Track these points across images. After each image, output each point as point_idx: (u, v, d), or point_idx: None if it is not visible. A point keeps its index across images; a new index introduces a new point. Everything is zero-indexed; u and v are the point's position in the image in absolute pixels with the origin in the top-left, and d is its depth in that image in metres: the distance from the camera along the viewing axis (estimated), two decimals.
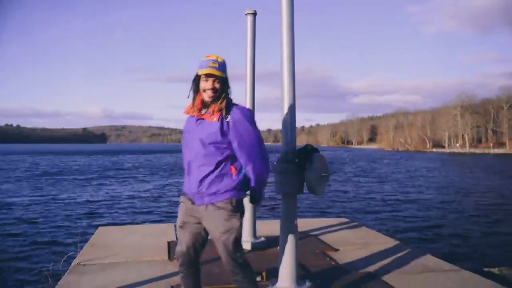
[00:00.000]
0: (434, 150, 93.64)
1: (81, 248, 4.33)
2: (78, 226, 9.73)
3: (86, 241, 4.70)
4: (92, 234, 5.06)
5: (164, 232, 4.99)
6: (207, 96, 2.33)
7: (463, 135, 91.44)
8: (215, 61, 2.33)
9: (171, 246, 4.27)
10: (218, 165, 2.30)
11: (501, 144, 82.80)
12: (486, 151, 79.32)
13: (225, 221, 2.28)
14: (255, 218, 4.38)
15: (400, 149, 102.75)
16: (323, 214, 11.56)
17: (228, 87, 2.40)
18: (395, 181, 22.67)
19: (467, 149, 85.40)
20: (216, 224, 2.30)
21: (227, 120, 2.31)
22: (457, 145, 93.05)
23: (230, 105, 2.36)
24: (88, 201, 14.24)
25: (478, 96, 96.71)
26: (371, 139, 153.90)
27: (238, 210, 2.34)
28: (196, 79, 2.39)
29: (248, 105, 4.36)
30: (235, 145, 2.30)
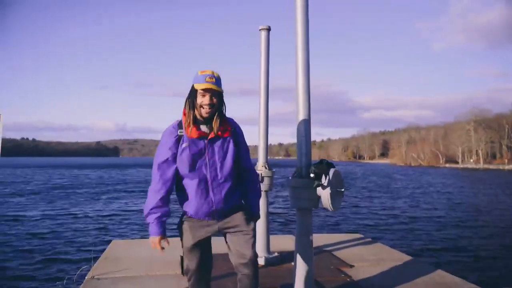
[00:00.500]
0: (447, 165, 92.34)
1: (95, 261, 4.34)
2: (91, 239, 9.76)
3: (99, 255, 4.71)
4: (105, 247, 5.07)
5: (176, 246, 4.94)
6: (204, 112, 2.29)
7: (477, 150, 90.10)
8: (212, 76, 2.29)
9: (184, 260, 4.25)
10: (234, 179, 2.38)
11: None
12: (501, 167, 77.93)
13: (246, 219, 2.43)
14: (268, 233, 4.36)
15: (412, 164, 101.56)
16: (336, 229, 11.43)
17: (223, 103, 2.40)
18: (408, 196, 22.35)
19: (481, 165, 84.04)
20: (241, 218, 2.40)
21: (234, 130, 2.43)
22: (471, 160, 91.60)
23: (228, 119, 2.44)
24: (100, 215, 14.30)
25: (491, 111, 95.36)
26: (383, 154, 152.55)
27: (247, 208, 2.51)
28: (192, 95, 2.33)
29: (262, 119, 4.38)
30: (243, 153, 2.44)
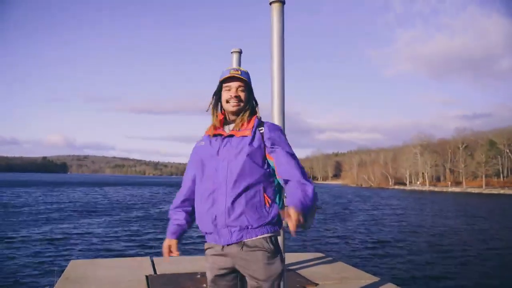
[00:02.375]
0: (396, 187, 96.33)
1: (55, 283, 4.15)
2: (49, 261, 9.28)
3: (58, 275, 4.51)
4: (63, 269, 4.85)
5: (140, 265, 4.87)
6: (231, 106, 1.98)
7: (423, 173, 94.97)
8: (238, 69, 2.05)
9: (149, 280, 4.17)
10: (249, 191, 1.86)
11: (458, 183, 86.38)
12: (445, 189, 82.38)
13: (266, 265, 1.84)
14: None
15: (363, 186, 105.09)
16: (298, 249, 11.58)
17: (255, 101, 2.08)
18: (365, 217, 23.05)
19: (427, 187, 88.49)
20: (254, 268, 1.85)
21: (261, 131, 1.97)
22: (418, 182, 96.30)
23: (261, 121, 2.03)
24: (55, 236, 13.57)
25: (435, 136, 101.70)
26: (336, 175, 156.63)
27: (279, 250, 1.91)
28: (217, 92, 2.06)
29: None
30: (279, 160, 1.91)
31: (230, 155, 1.90)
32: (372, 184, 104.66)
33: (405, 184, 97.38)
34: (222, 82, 2.02)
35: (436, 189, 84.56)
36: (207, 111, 2.08)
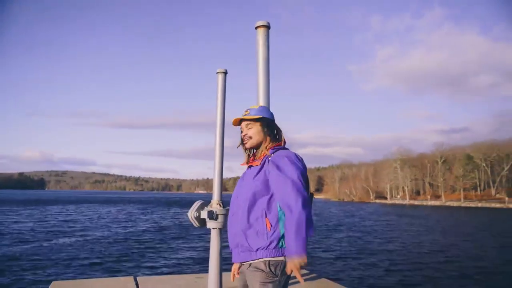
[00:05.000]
0: (377, 201, 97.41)
1: None
2: (27, 283, 9.00)
3: None
4: None
5: (124, 285, 4.80)
6: (245, 145, 2.28)
7: (403, 187, 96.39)
8: (247, 109, 2.30)
9: None
10: (253, 217, 2.06)
11: (437, 197, 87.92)
12: (424, 203, 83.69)
13: (261, 285, 2.01)
14: (221, 269, 4.38)
15: (345, 200, 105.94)
16: None
17: (275, 129, 2.27)
18: (347, 231, 23.18)
19: (407, 201, 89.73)
20: (254, 281, 2.04)
21: (269, 158, 2.14)
22: (398, 196, 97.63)
23: (279, 148, 2.21)
24: (31, 257, 13.19)
25: (415, 150, 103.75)
26: (318, 190, 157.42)
27: (277, 274, 2.02)
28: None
29: (217, 157, 4.50)
30: (273, 186, 2.05)
31: (246, 183, 2.16)
32: (354, 198, 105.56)
33: (386, 198, 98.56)
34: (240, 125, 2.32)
35: (416, 202, 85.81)
36: (241, 164, 2.34)
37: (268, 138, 2.24)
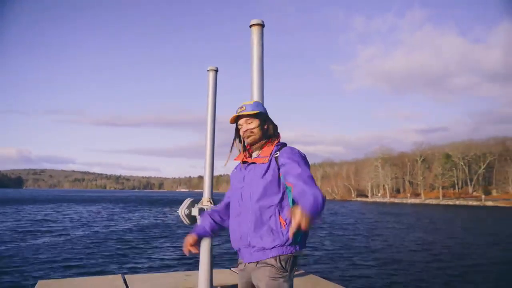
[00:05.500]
0: (358, 199, 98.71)
1: None
2: (11, 284, 8.82)
3: None
4: None
5: (112, 284, 4.76)
6: (247, 139, 2.22)
7: (384, 185, 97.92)
8: (242, 105, 2.26)
9: None
10: (266, 215, 2.05)
11: (417, 195, 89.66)
12: (404, 200, 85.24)
13: (271, 280, 2.00)
14: (211, 267, 4.39)
15: (327, 198, 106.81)
16: None
17: (272, 124, 2.27)
18: (332, 229, 23.42)
19: (388, 199, 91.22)
20: (262, 282, 2.02)
21: (276, 155, 2.12)
22: (379, 194, 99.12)
23: (282, 145, 2.22)
24: (13, 257, 12.91)
25: (395, 149, 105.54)
26: None
27: (287, 269, 2.02)
28: (237, 134, 2.33)
29: (207, 155, 4.50)
30: (287, 170, 2.01)
31: (252, 181, 2.11)
32: (336, 197, 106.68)
33: (367, 196, 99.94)
34: (236, 122, 2.28)
35: (396, 200, 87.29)
36: (234, 160, 2.32)
37: (268, 133, 2.24)
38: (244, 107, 2.23)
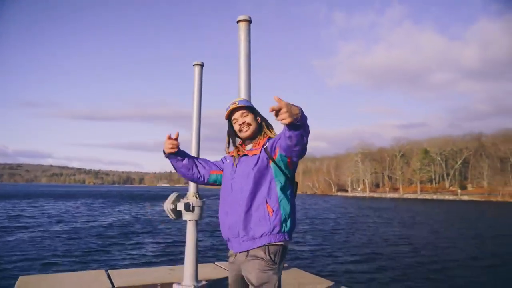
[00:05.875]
0: (339, 194, 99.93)
1: None
2: None
3: None
4: (13, 286, 4.60)
5: (96, 279, 4.72)
6: (244, 133, 2.24)
7: (363, 180, 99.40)
8: (234, 102, 2.28)
9: None
10: (255, 205, 2.09)
11: (395, 189, 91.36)
12: (383, 195, 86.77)
13: (260, 272, 2.04)
14: (197, 262, 4.41)
15: (308, 193, 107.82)
16: None
17: (264, 119, 2.31)
18: (315, 224, 23.67)
19: (367, 193, 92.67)
20: (252, 275, 2.06)
21: (265, 146, 2.18)
22: (359, 189, 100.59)
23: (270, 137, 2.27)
24: None
25: (375, 144, 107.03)
26: None
27: (276, 262, 2.07)
28: (230, 130, 2.34)
29: (193, 150, 4.50)
30: (276, 143, 2.09)
31: (243, 173, 2.15)
32: (316, 191, 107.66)
33: (347, 191, 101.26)
34: (229, 119, 2.31)
35: (376, 195, 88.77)
36: (227, 153, 2.36)
37: (262, 127, 2.29)
38: (237, 102, 2.26)
